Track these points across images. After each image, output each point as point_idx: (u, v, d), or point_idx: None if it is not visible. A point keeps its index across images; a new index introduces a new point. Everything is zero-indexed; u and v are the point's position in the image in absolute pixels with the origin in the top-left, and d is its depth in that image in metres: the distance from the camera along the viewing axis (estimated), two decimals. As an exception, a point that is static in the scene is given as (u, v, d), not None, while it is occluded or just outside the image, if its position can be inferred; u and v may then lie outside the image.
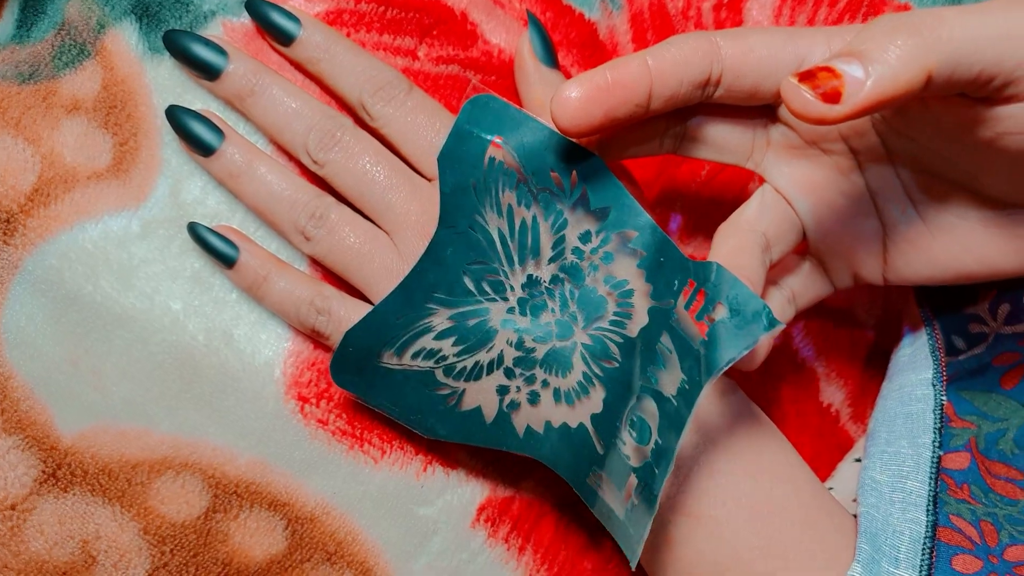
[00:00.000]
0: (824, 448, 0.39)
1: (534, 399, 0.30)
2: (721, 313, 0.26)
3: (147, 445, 0.32)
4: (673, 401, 0.27)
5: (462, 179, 0.29)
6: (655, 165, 0.36)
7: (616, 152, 0.30)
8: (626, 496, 0.28)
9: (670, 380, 0.27)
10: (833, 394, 0.39)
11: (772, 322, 0.25)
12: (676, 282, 0.28)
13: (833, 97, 0.21)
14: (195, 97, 0.33)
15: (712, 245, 0.30)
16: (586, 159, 0.29)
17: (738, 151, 0.30)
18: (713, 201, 0.37)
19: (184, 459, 0.32)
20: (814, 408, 0.39)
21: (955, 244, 0.28)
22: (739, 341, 0.25)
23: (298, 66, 0.33)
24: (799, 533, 0.28)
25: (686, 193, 0.37)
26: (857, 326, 0.39)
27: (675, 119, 0.29)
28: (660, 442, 0.27)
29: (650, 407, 0.28)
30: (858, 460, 0.38)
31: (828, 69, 0.21)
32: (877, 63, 0.21)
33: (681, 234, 0.37)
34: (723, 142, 0.30)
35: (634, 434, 0.28)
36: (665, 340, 0.28)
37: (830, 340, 0.39)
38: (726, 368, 0.25)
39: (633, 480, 0.28)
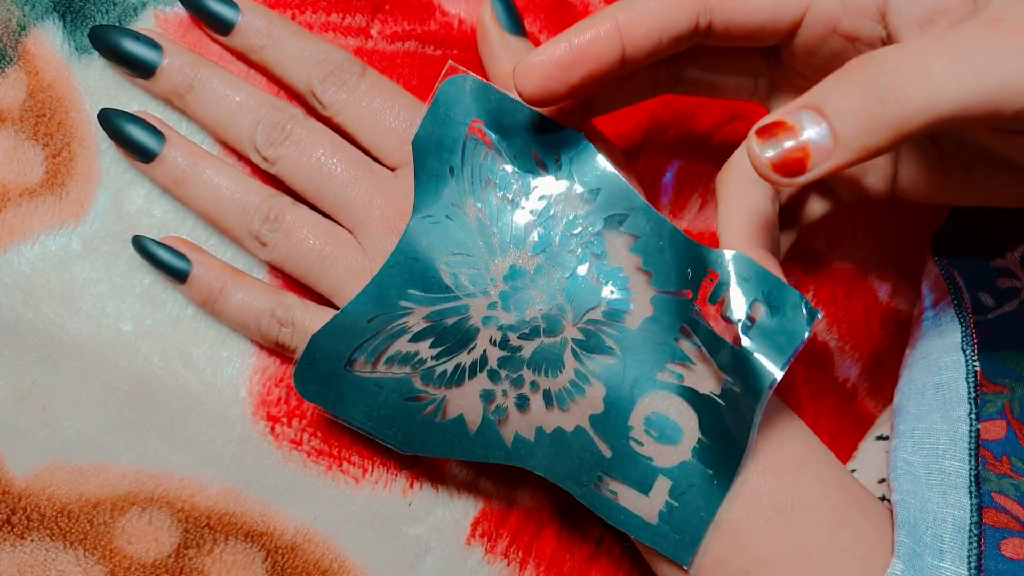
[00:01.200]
0: (843, 427, 0.36)
1: (523, 403, 0.27)
2: (760, 312, 0.25)
3: (107, 481, 0.30)
4: (719, 400, 0.26)
5: (438, 165, 0.27)
6: (640, 133, 0.33)
7: (600, 109, 0.28)
8: (658, 499, 0.26)
9: (704, 378, 0.26)
10: (848, 368, 0.36)
11: (812, 313, 0.25)
12: (689, 271, 0.26)
13: (798, 168, 0.20)
14: (131, 98, 0.30)
15: (718, 200, 0.27)
16: (571, 139, 0.27)
17: (739, 89, 0.28)
18: (712, 155, 0.34)
19: (149, 493, 0.30)
20: (829, 385, 0.36)
21: (970, 182, 0.26)
22: (787, 339, 0.25)
23: (240, 56, 0.30)
24: (830, 531, 0.25)
25: (680, 150, 0.34)
26: (869, 292, 0.36)
27: (664, 65, 0.27)
28: (707, 441, 0.26)
29: (675, 404, 0.26)
30: (880, 437, 0.36)
31: (791, 129, 0.20)
32: (845, 129, 0.19)
33: (678, 189, 0.34)
34: (721, 83, 0.28)
35: (654, 433, 0.26)
36: (687, 334, 0.26)
37: (841, 309, 0.36)
38: (785, 371, 0.25)
39: (665, 482, 0.26)
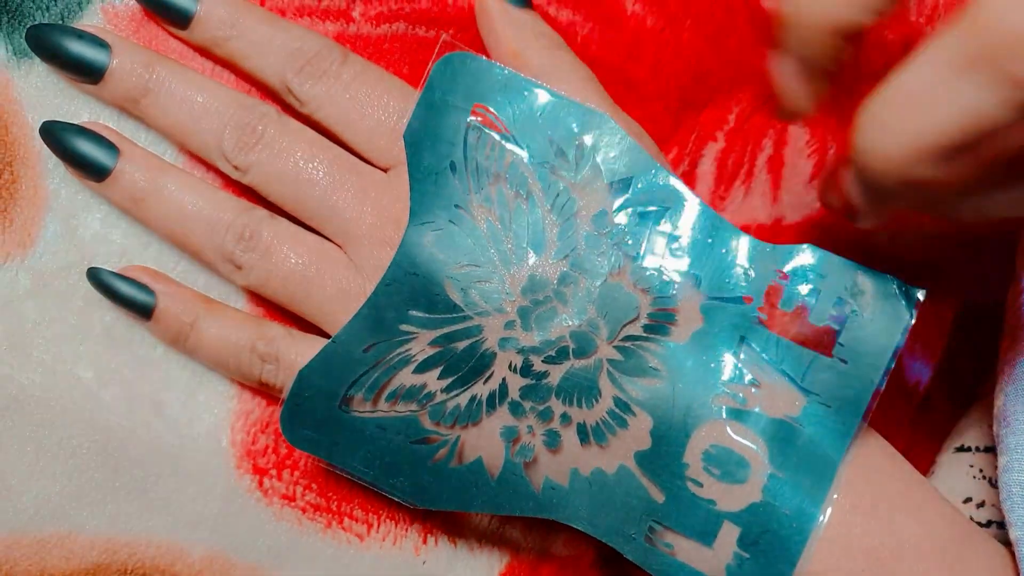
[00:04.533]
0: (917, 439, 0.32)
1: (553, 441, 0.23)
2: (849, 308, 0.22)
3: (74, 552, 0.26)
4: (797, 424, 0.22)
5: (437, 160, 0.23)
6: (670, 116, 0.29)
7: None
8: (725, 551, 0.22)
9: (775, 398, 0.22)
10: (920, 370, 0.32)
11: (911, 292, 0.22)
12: (749, 272, 0.23)
13: None
14: (79, 107, 0.26)
15: None
16: (594, 121, 0.23)
17: None
18: (754, 135, 0.29)
19: (122, 564, 0.26)
20: (900, 390, 0.31)
21: None
22: (887, 331, 0.22)
23: (203, 52, 0.26)
24: (938, 580, 0.21)
25: (716, 132, 0.29)
26: (941, 280, 0.32)
27: None
28: (782, 475, 0.22)
29: (740, 434, 0.22)
30: (961, 449, 0.31)
31: None
32: None
33: (718, 176, 0.29)
34: None
35: (715, 471, 0.22)
36: (749, 349, 0.23)
37: (909, 306, 0.31)
38: (891, 366, 0.22)
39: (733, 530, 0.22)
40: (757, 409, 0.22)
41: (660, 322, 0.23)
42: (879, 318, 0.22)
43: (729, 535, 0.22)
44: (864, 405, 0.22)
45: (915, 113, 0.17)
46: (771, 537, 0.21)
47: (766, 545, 0.21)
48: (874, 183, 0.18)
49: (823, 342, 0.22)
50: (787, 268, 0.22)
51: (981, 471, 0.30)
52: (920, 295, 0.22)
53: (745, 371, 0.22)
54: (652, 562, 0.22)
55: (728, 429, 0.22)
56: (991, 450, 0.29)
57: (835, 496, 0.22)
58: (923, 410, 0.32)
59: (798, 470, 0.22)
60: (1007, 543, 0.24)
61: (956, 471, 0.31)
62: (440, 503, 0.23)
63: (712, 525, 0.22)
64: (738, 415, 0.22)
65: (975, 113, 0.16)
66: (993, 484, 0.29)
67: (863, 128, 0.18)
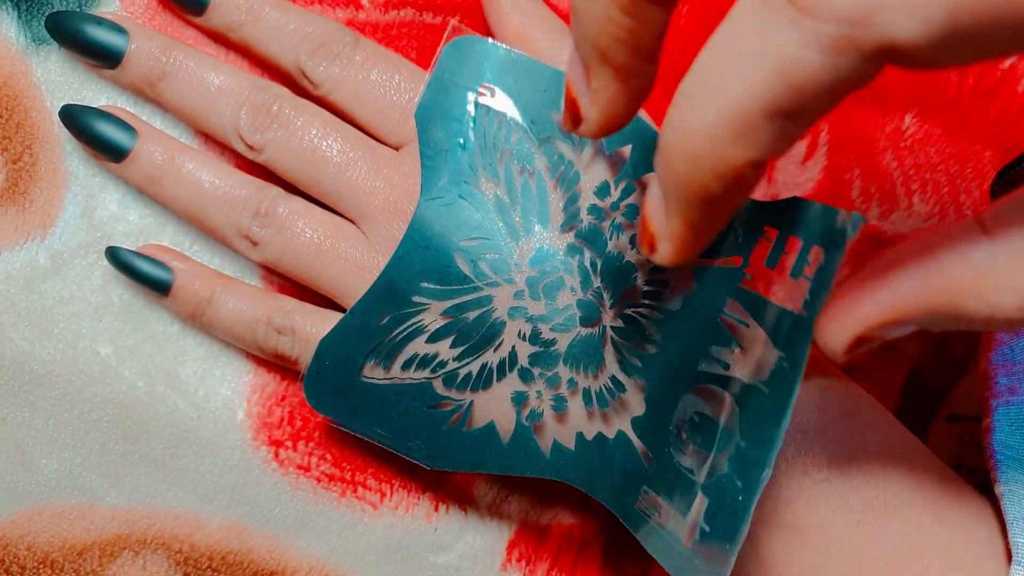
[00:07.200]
0: (908, 408, 0.32)
1: (560, 406, 0.23)
2: (818, 256, 0.19)
3: (94, 524, 0.26)
4: (764, 388, 0.20)
5: (446, 138, 0.24)
6: (668, 97, 0.30)
7: None
8: (694, 522, 0.21)
9: (753, 361, 0.21)
10: (911, 344, 0.33)
11: (856, 222, 0.19)
12: (738, 233, 0.22)
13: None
14: (97, 91, 0.27)
15: None
16: None
17: None
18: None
19: (141, 534, 0.26)
20: (891, 362, 0.32)
21: None
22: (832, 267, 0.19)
23: (218, 38, 0.27)
24: (929, 530, 0.22)
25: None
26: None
27: None
28: (743, 445, 0.20)
29: (718, 399, 0.21)
30: (952, 418, 0.32)
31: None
32: None
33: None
34: None
35: (697, 439, 0.22)
36: (734, 310, 0.22)
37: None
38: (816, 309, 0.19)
39: (703, 500, 0.21)
40: (737, 375, 0.22)
41: (656, 288, 0.23)
42: (833, 256, 0.19)
43: (699, 506, 0.21)
44: (801, 358, 0.19)
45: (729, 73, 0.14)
46: (725, 511, 0.20)
47: (722, 518, 0.20)
48: (685, 182, 0.15)
49: (802, 296, 0.20)
50: (773, 224, 0.21)
51: (972, 438, 0.31)
52: (860, 220, 0.19)
53: (729, 335, 0.22)
54: (640, 528, 0.22)
55: (710, 396, 0.22)
56: (981, 419, 0.30)
57: (831, 454, 0.22)
58: (913, 382, 0.33)
59: (756, 440, 0.20)
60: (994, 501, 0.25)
61: (947, 439, 0.32)
62: (455, 464, 0.24)
63: (690, 495, 0.21)
64: (722, 381, 0.22)
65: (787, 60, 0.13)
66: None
67: (671, 116, 0.15)
